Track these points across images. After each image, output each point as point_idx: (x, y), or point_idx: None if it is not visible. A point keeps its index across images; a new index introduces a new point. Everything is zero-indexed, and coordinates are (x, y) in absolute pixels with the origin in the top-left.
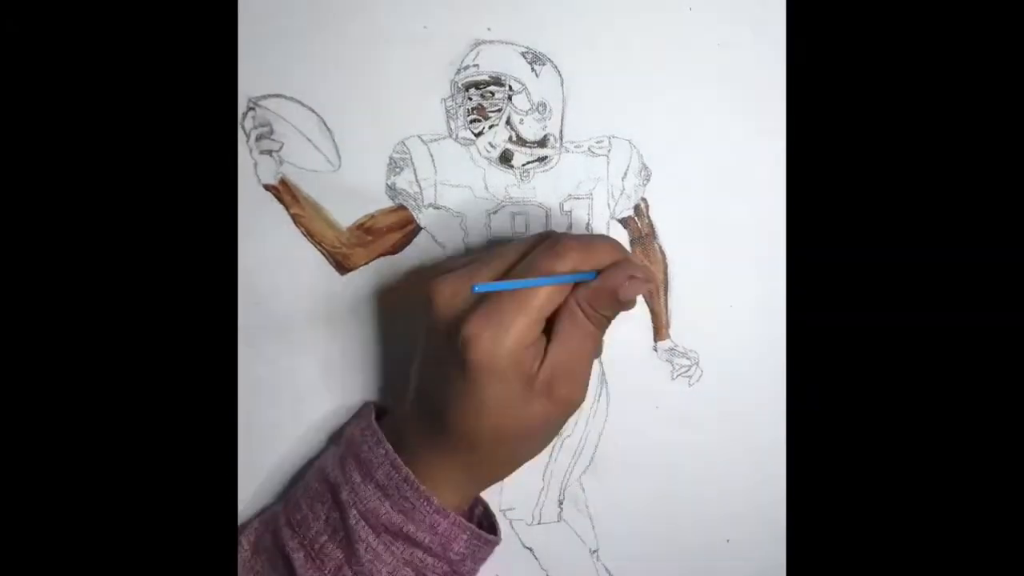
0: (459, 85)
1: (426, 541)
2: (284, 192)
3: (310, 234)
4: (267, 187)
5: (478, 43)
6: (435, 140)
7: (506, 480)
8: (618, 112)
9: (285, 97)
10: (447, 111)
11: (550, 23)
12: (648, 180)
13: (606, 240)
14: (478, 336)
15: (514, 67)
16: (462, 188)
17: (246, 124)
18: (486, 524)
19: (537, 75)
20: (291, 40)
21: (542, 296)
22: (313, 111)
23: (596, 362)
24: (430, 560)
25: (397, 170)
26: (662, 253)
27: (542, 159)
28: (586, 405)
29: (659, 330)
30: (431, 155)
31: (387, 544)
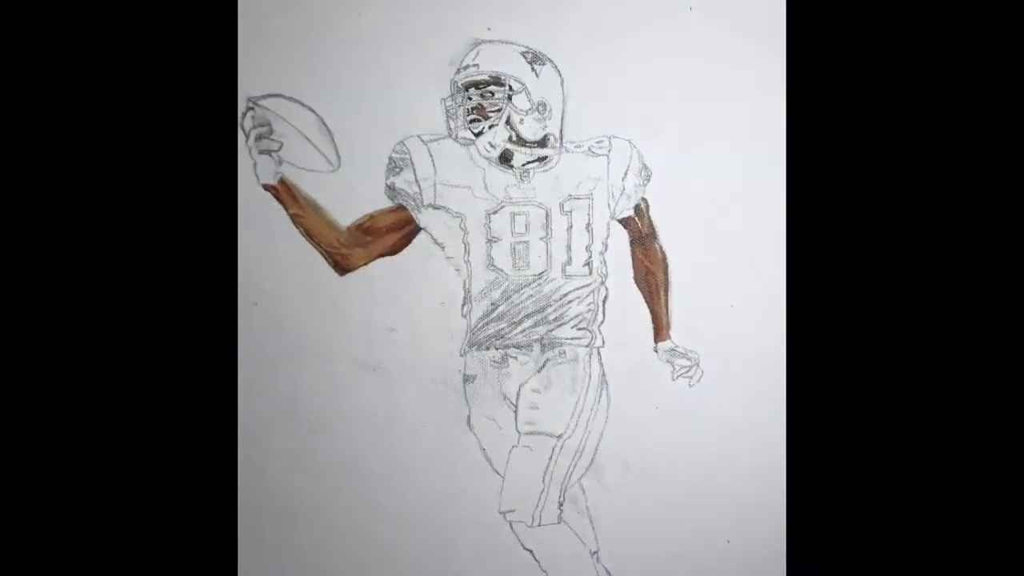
0: (459, 85)
1: None
2: (283, 192)
3: (309, 234)
4: (266, 187)
5: (478, 43)
6: (435, 140)
7: (506, 482)
8: (618, 112)
9: (284, 97)
10: (447, 111)
11: (550, 23)
12: (648, 180)
13: None
14: None
15: (514, 67)
16: (462, 188)
17: (245, 124)
18: None
19: (537, 75)
20: (291, 40)
21: None
22: (313, 111)
23: (597, 363)
24: None
25: (397, 170)
26: (662, 253)
27: (542, 159)
28: (587, 406)
29: (659, 331)
30: (431, 155)
31: None
